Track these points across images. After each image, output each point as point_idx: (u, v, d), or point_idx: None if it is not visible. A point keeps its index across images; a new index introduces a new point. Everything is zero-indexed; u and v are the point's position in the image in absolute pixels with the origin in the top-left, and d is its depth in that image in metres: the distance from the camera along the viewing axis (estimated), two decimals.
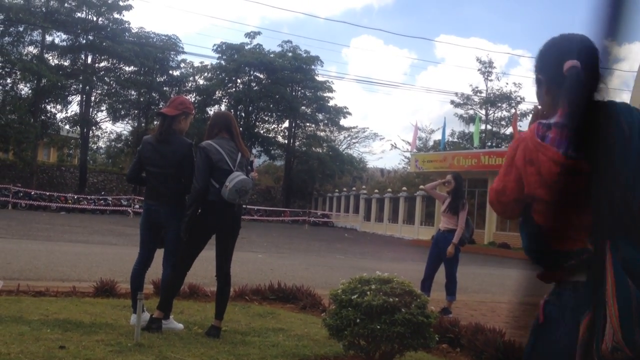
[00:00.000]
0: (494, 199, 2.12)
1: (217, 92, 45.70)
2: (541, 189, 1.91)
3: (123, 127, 47.26)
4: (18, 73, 36.45)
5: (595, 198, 1.82)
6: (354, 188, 45.05)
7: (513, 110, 41.19)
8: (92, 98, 41.61)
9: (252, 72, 45.60)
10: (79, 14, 39.04)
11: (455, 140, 46.65)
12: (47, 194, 32.42)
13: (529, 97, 45.60)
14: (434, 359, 5.02)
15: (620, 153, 1.83)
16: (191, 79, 46.57)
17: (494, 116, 44.45)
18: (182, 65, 45.44)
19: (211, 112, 44.43)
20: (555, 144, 1.89)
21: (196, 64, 46.59)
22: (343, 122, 49.39)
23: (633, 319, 1.64)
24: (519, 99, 43.11)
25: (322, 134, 49.76)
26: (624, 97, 28.68)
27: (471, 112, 44.34)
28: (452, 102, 44.96)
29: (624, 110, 1.90)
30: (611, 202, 1.79)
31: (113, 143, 46.87)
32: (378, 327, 4.06)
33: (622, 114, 1.89)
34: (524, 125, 45.90)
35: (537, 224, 1.97)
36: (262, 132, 47.55)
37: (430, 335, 4.24)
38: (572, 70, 1.93)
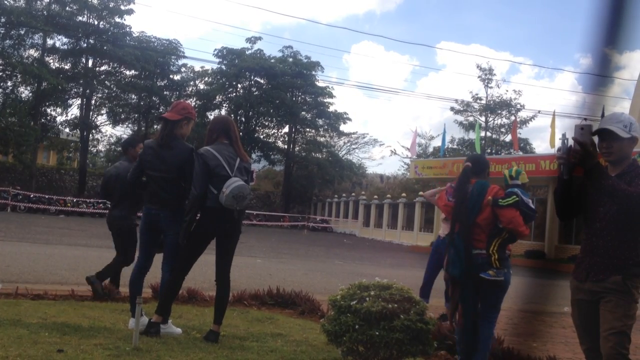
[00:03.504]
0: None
1: (217, 97, 45.74)
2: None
3: (123, 131, 47.24)
4: (19, 76, 36.48)
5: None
6: (353, 194, 45.04)
7: (513, 118, 41.22)
8: (93, 101, 41.64)
9: (252, 77, 45.64)
10: (80, 18, 39.08)
11: (455, 147, 46.67)
12: (47, 196, 32.40)
13: (529, 104, 45.67)
14: None
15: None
16: (192, 83, 46.64)
17: (493, 123, 44.48)
18: (183, 69, 45.54)
19: (211, 117, 44.47)
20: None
21: (197, 68, 46.74)
22: (343, 127, 49.51)
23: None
24: (518, 106, 43.14)
25: (322, 139, 49.79)
26: (625, 104, 28.69)
27: (471, 119, 44.38)
28: (452, 109, 45.02)
29: (476, 186, 4.78)
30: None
31: (113, 147, 46.84)
32: (377, 333, 4.06)
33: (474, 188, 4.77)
34: (524, 132, 45.99)
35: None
36: (262, 137, 47.57)
37: (428, 341, 4.24)
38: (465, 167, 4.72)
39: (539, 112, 47.46)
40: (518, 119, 40.83)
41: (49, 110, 40.16)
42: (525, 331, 7.75)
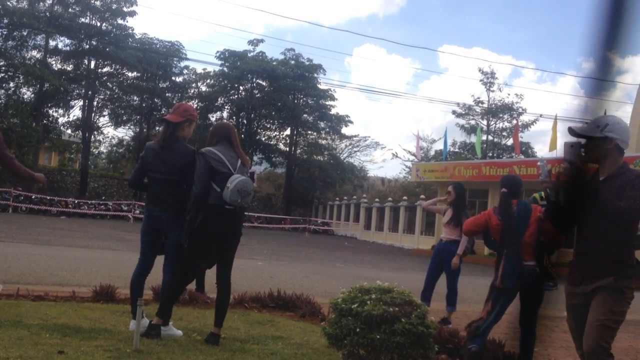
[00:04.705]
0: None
1: (219, 99, 45.74)
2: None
3: (125, 133, 47.30)
4: (21, 77, 36.50)
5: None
6: (354, 196, 45.03)
7: (515, 122, 41.19)
8: (95, 103, 41.63)
9: (254, 80, 45.65)
10: (82, 20, 39.09)
11: (457, 150, 46.65)
12: (48, 198, 32.41)
13: (531, 108, 45.63)
14: None
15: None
16: (194, 85, 46.63)
17: (495, 127, 44.48)
18: (185, 71, 45.51)
19: (213, 119, 44.56)
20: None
21: (199, 70, 46.71)
22: (344, 130, 49.44)
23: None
24: (520, 110, 43.15)
25: (324, 142, 49.78)
26: (627, 109, 28.63)
27: (473, 122, 44.36)
28: (454, 112, 45.01)
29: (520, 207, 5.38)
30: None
31: (114, 148, 46.93)
32: (378, 336, 4.05)
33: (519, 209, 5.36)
34: (525, 136, 45.96)
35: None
36: (263, 139, 47.56)
37: (429, 345, 4.23)
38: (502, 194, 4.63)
39: (541, 116, 47.27)
40: (520, 123, 40.80)
41: (51, 111, 40.18)
42: None
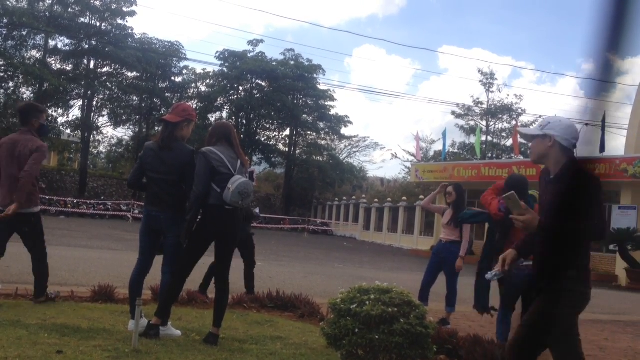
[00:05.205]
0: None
1: (218, 99, 45.71)
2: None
3: (124, 133, 47.24)
4: (20, 77, 36.46)
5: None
6: (353, 197, 45.02)
7: (514, 122, 41.22)
8: (94, 103, 41.59)
9: (254, 80, 45.63)
10: (82, 19, 39.04)
11: (456, 151, 46.68)
12: (47, 197, 32.35)
13: (530, 109, 45.65)
14: None
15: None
16: (193, 85, 46.60)
17: (494, 128, 44.54)
18: (185, 71, 45.47)
19: (212, 119, 44.50)
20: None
21: (198, 70, 46.67)
22: (344, 131, 49.42)
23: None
24: (520, 110, 43.22)
25: (323, 142, 49.77)
26: (627, 110, 28.68)
27: (472, 123, 44.41)
28: (453, 112, 45.05)
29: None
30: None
31: (114, 148, 46.88)
32: (377, 337, 4.05)
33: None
34: None
35: None
36: (263, 139, 47.55)
37: (428, 346, 4.23)
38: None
39: (540, 116, 47.26)
40: (519, 124, 40.82)
41: (50, 111, 40.15)
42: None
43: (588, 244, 3.61)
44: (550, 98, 78.70)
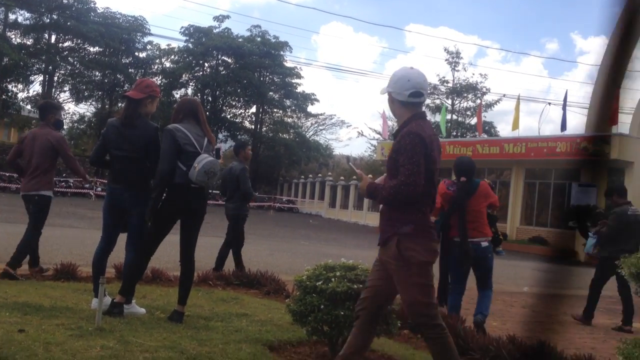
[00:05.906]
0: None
1: (183, 76, 45.13)
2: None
3: (86, 109, 46.35)
4: None
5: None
6: (319, 175, 45.10)
7: (478, 101, 41.63)
8: (55, 78, 40.76)
9: (219, 56, 45.15)
10: None
11: None
12: (7, 174, 31.66)
13: (495, 88, 46.19)
14: (396, 344, 5.09)
15: None
16: (157, 61, 45.91)
17: (459, 106, 44.90)
18: (149, 47, 44.77)
19: (177, 96, 43.94)
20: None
21: (163, 46, 45.93)
22: (310, 108, 49.38)
23: None
24: (484, 89, 43.59)
25: (290, 120, 49.65)
26: (589, 89, 29.16)
27: (438, 101, 44.71)
28: None
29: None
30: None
31: (76, 125, 45.93)
32: (342, 313, 4.09)
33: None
34: (488, 116, 46.49)
35: None
36: (229, 117, 47.22)
37: (392, 321, 4.29)
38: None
39: (504, 95, 48.02)
40: (483, 103, 41.28)
41: (10, 86, 39.21)
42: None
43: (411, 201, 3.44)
44: (514, 77, 79.62)
